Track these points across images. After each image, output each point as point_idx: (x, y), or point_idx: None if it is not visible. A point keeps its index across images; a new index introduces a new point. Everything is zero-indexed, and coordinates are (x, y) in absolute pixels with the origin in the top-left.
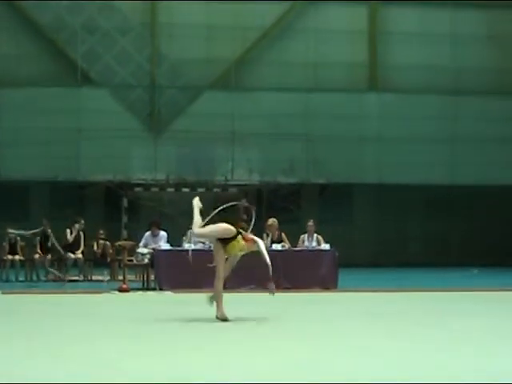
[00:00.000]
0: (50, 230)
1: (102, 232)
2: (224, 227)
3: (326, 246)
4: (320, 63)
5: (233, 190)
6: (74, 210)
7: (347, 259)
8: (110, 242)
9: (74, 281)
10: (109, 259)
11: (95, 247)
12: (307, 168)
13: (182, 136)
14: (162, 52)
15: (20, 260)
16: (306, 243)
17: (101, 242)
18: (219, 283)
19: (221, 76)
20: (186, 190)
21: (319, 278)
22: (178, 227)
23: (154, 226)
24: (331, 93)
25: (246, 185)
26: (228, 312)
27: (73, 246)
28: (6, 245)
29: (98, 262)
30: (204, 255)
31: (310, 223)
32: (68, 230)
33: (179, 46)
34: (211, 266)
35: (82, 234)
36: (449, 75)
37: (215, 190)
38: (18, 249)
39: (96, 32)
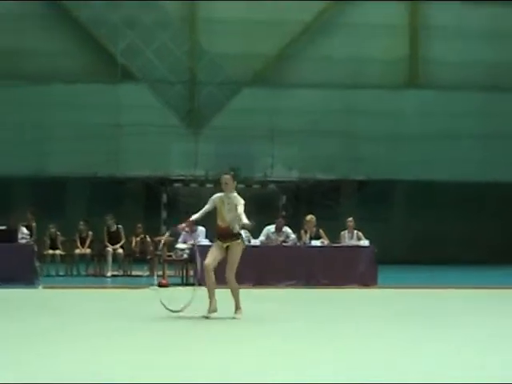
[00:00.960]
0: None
1: (140, 226)
2: None
3: (365, 243)
4: (360, 59)
5: (272, 187)
6: (113, 206)
7: (385, 256)
8: (149, 237)
9: (114, 276)
10: (148, 255)
11: (133, 243)
12: (346, 165)
13: (221, 132)
14: (202, 47)
15: (60, 255)
16: (347, 239)
17: (140, 237)
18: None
19: (260, 72)
20: None
21: (358, 275)
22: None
23: (192, 221)
24: (371, 89)
25: (285, 181)
26: (264, 308)
27: (111, 242)
28: (46, 240)
29: (137, 257)
30: (243, 251)
31: (350, 220)
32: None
33: (219, 42)
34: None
35: (119, 229)
36: (489, 71)
37: (254, 186)
38: (59, 243)
39: (136, 27)
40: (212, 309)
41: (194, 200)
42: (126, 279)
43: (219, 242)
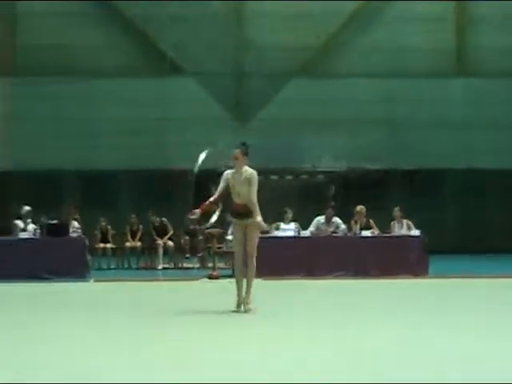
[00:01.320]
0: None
1: (187, 218)
2: None
3: (415, 232)
4: (405, 48)
5: (320, 177)
6: (161, 199)
7: (436, 245)
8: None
9: (165, 269)
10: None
11: (182, 240)
12: (395, 154)
13: (269, 123)
14: (249, 40)
15: (111, 248)
16: (396, 229)
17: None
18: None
19: (307, 63)
20: (273, 177)
21: (409, 265)
22: (266, 214)
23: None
24: (417, 78)
25: (333, 172)
26: (315, 299)
27: (159, 235)
28: (97, 233)
29: (188, 249)
30: (294, 242)
31: (397, 209)
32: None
33: (266, 34)
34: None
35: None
36: None
37: (303, 177)
38: (110, 237)
39: (184, 22)
40: (240, 301)
41: None
42: (176, 272)
43: (237, 222)
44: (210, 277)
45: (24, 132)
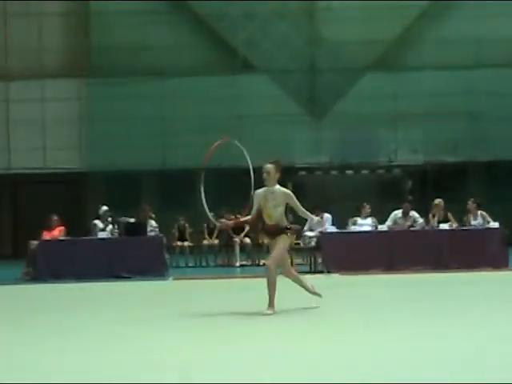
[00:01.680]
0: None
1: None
2: None
3: (495, 224)
4: (481, 38)
5: (397, 171)
6: (238, 197)
7: None
8: None
9: (243, 266)
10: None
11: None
12: (472, 146)
13: (343, 118)
14: (321, 35)
15: (189, 246)
16: (473, 222)
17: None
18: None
19: (381, 56)
20: (349, 172)
21: (488, 258)
22: (343, 210)
23: (317, 209)
24: (494, 68)
25: (410, 165)
26: (396, 293)
27: (236, 232)
28: (175, 231)
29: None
30: (371, 237)
31: (470, 202)
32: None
33: (338, 28)
34: None
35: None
36: None
37: (379, 171)
38: (187, 235)
39: (255, 18)
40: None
41: (319, 187)
42: (254, 268)
43: (269, 241)
44: None
45: (99, 132)
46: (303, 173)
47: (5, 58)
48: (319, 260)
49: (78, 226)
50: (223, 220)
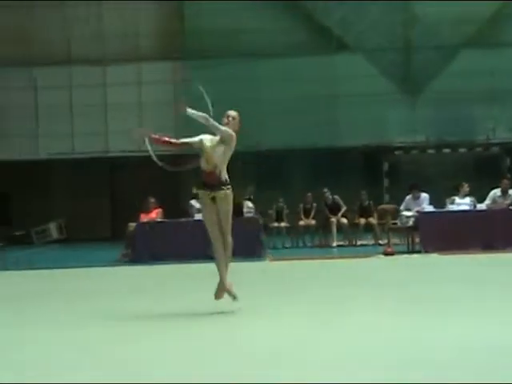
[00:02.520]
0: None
1: (364, 193)
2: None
3: None
4: None
5: (495, 149)
6: (333, 177)
7: None
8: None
9: (340, 246)
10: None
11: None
12: None
13: (439, 96)
14: (416, 13)
15: (285, 227)
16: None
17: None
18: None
19: (477, 33)
20: (446, 150)
21: None
22: (440, 188)
23: (415, 188)
24: None
25: (508, 143)
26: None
27: (332, 212)
28: (272, 213)
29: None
30: (470, 216)
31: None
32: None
33: (433, 6)
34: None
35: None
36: None
37: (477, 149)
38: (284, 216)
39: (348, 2)
40: (222, 288)
41: (416, 167)
42: (351, 249)
43: (205, 193)
44: (386, 253)
45: None
46: (399, 152)
47: (102, 43)
48: (417, 240)
49: (176, 207)
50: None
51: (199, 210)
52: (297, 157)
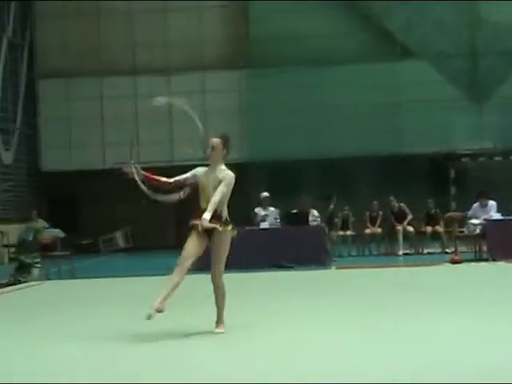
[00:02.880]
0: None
1: (431, 201)
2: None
3: None
4: None
5: None
6: (398, 184)
7: None
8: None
9: (406, 254)
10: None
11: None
12: None
13: (506, 102)
14: (482, 17)
15: (351, 235)
16: None
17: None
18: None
19: None
20: None
21: None
22: (508, 196)
23: (482, 196)
24: None
25: None
26: None
27: (398, 220)
28: (337, 221)
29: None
30: None
31: None
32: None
33: (499, 9)
34: None
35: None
36: None
37: None
38: (350, 224)
39: (411, 2)
40: (159, 308)
41: (483, 174)
42: (417, 257)
43: (202, 233)
44: (453, 261)
45: (259, 122)
46: (466, 159)
47: (165, 51)
48: (484, 248)
49: (240, 215)
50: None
51: (263, 219)
52: (361, 164)
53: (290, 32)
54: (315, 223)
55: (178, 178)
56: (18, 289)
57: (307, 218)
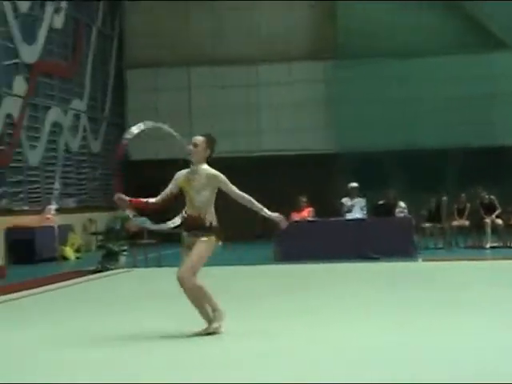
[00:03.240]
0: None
1: None
2: None
3: None
4: None
5: None
6: (487, 176)
7: None
8: None
9: (493, 247)
10: None
11: None
12: None
13: None
14: None
15: (439, 228)
16: None
17: None
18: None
19: None
20: None
21: None
22: None
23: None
24: None
25: None
26: None
27: (487, 212)
28: (424, 213)
29: None
30: None
31: None
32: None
33: None
34: None
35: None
36: None
37: None
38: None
39: None
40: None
41: None
42: (506, 250)
43: (185, 238)
44: None
45: (346, 114)
46: None
47: (254, 43)
48: None
49: (326, 207)
50: (120, 195)
51: (350, 209)
52: (450, 156)
53: (378, 24)
54: (402, 215)
55: (163, 193)
56: (106, 276)
57: (393, 210)
